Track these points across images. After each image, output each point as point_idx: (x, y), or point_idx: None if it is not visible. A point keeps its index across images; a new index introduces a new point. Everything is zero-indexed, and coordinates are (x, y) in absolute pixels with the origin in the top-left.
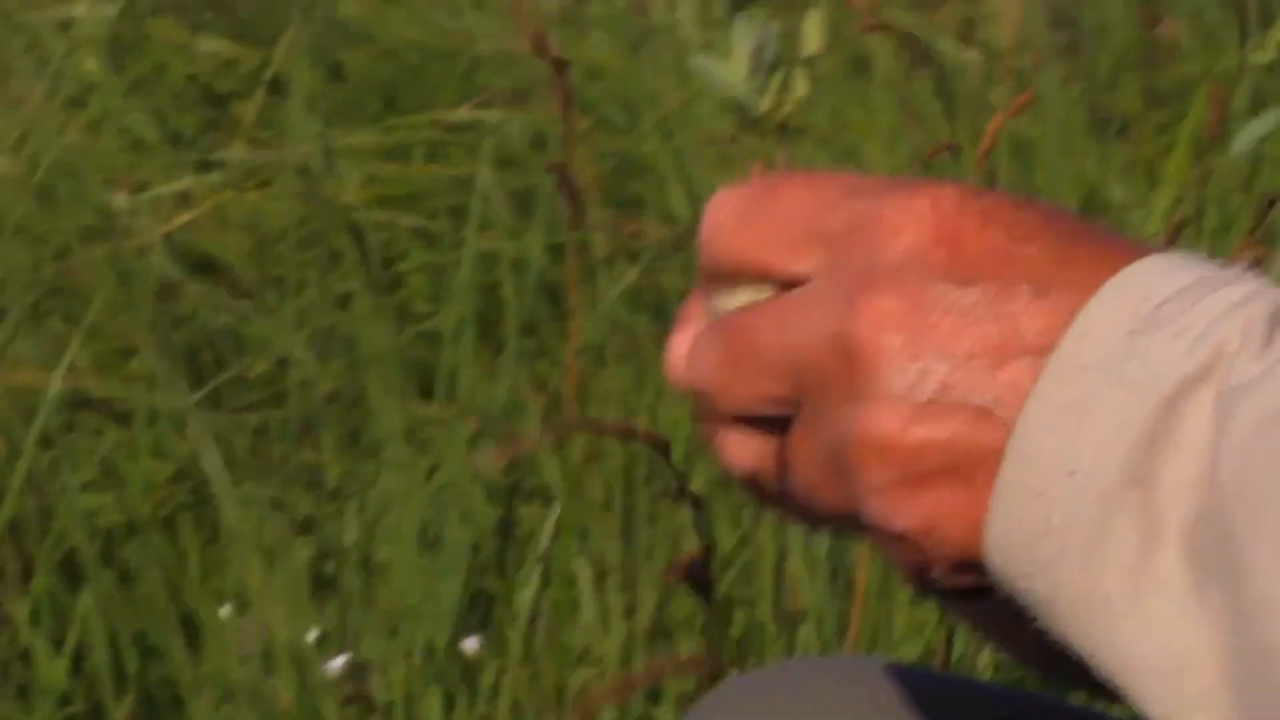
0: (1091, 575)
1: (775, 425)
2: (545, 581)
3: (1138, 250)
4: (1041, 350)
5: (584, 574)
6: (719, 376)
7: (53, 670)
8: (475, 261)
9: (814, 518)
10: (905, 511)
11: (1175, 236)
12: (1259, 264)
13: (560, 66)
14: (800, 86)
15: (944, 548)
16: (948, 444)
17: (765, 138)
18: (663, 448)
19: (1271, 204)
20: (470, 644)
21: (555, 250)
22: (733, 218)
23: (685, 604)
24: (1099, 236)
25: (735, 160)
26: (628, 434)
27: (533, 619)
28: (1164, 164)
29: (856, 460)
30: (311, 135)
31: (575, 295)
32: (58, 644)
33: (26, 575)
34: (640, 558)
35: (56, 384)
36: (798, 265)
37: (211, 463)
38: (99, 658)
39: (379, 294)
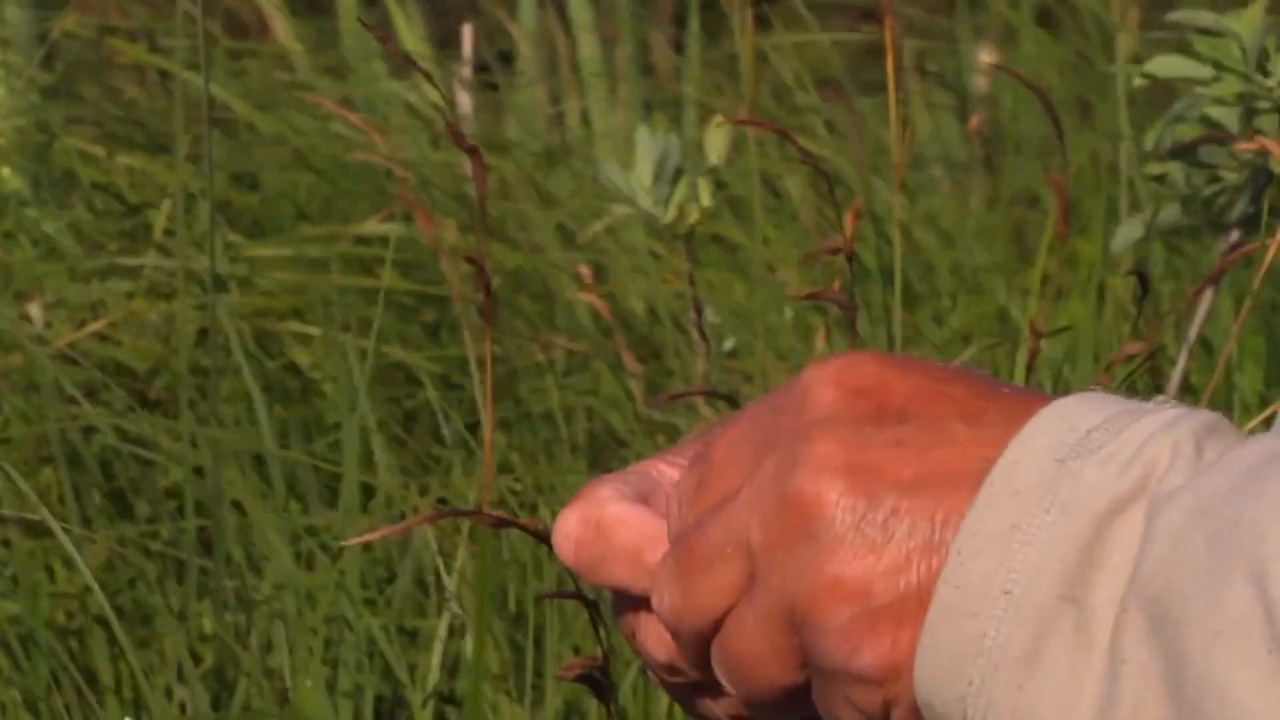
0: (1025, 693)
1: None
2: (449, 692)
3: (1055, 396)
4: (979, 478)
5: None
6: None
7: None
8: (380, 371)
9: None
10: (869, 647)
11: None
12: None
13: (475, 153)
14: (705, 196)
15: (907, 683)
16: (902, 572)
17: (672, 248)
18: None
19: (1144, 281)
20: None
21: (464, 362)
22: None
23: (590, 709)
24: (999, 383)
25: (648, 271)
26: (506, 525)
27: None
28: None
29: (813, 604)
30: (219, 246)
31: (490, 393)
32: None
33: None
34: (547, 663)
35: None
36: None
37: (92, 582)
38: None
39: (286, 403)
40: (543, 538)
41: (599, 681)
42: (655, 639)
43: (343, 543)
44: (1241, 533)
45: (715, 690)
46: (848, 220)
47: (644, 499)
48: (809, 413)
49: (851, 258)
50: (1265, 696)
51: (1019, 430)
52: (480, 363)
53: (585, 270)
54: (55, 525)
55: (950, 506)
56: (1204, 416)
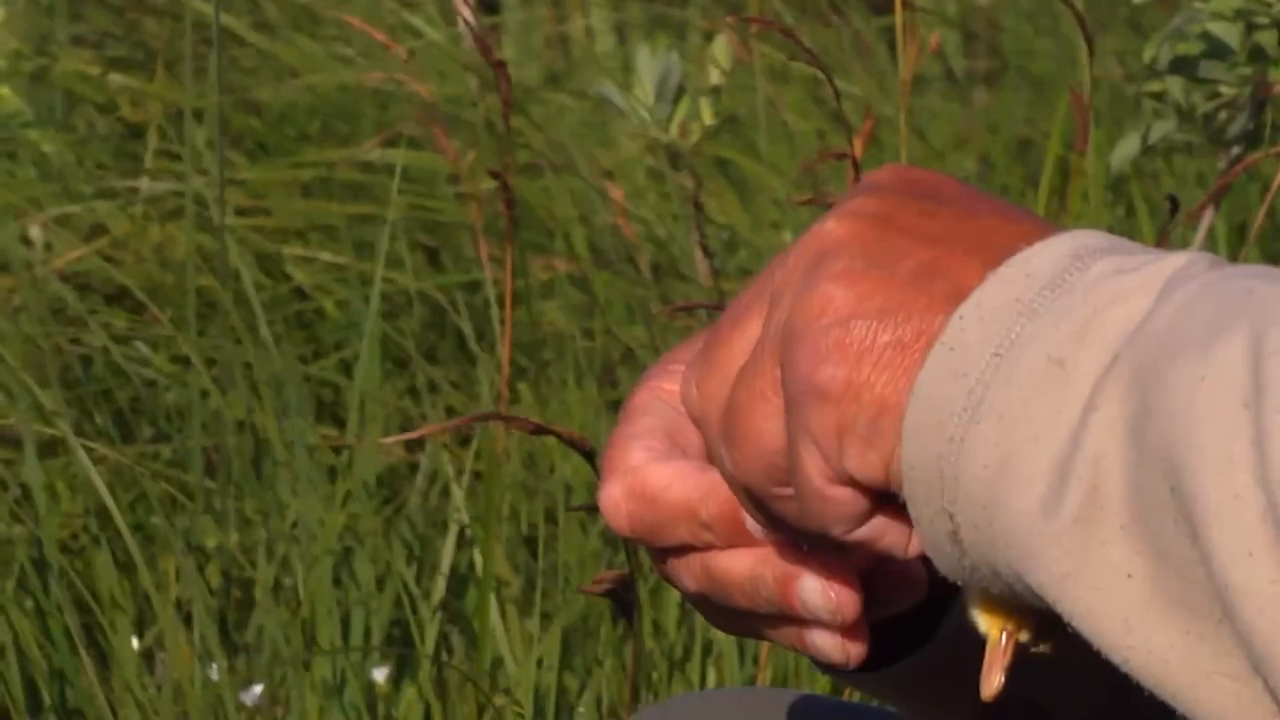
0: (1000, 449)
1: None
2: (456, 610)
3: (1040, 229)
4: (997, 253)
5: (493, 602)
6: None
7: None
8: (383, 296)
9: (754, 624)
10: (833, 363)
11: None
12: None
13: (501, 67)
14: (706, 115)
15: (860, 415)
16: (893, 314)
17: (675, 166)
18: (589, 455)
19: (1175, 206)
20: (380, 674)
21: (464, 288)
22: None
23: (599, 628)
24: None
25: (647, 192)
26: (544, 432)
27: (445, 647)
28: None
29: (800, 317)
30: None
31: (509, 315)
32: None
33: None
34: (557, 577)
35: None
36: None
37: (106, 499)
38: (14, 687)
39: (288, 326)
40: (576, 445)
41: (622, 597)
42: (686, 573)
43: (380, 440)
44: (1251, 301)
45: (765, 623)
46: (864, 126)
47: (672, 440)
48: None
49: (856, 163)
50: (1227, 446)
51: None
52: (498, 279)
53: (617, 193)
54: (74, 441)
55: (959, 267)
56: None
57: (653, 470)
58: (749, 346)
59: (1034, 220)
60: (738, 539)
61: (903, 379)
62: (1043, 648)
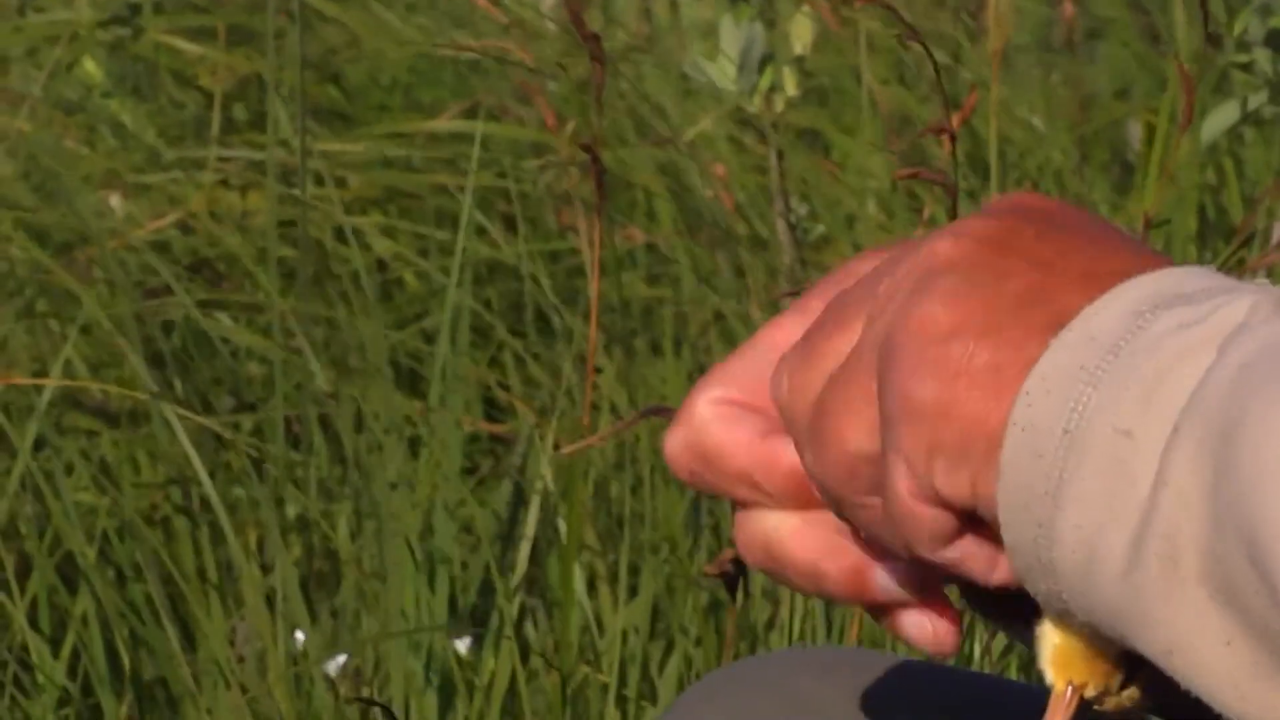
0: (1083, 532)
1: None
2: (539, 582)
3: (1147, 257)
4: (1104, 282)
5: (579, 573)
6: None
7: (51, 670)
8: (467, 267)
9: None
10: (931, 379)
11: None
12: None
13: (595, 40)
14: (790, 85)
15: (953, 419)
16: (992, 335)
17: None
18: None
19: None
20: (463, 644)
21: (545, 257)
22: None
23: (684, 598)
24: (1119, 239)
25: (729, 162)
26: None
27: (528, 618)
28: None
29: (901, 334)
30: (300, 140)
31: (597, 289)
32: (56, 644)
33: (24, 576)
34: (641, 553)
35: (52, 384)
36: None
37: (197, 466)
38: (96, 657)
39: (364, 294)
40: None
41: (733, 578)
42: (757, 552)
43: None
44: None
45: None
46: (968, 101)
47: (753, 394)
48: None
49: (954, 138)
50: None
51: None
52: (579, 249)
53: (720, 169)
54: (166, 409)
55: (1061, 294)
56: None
57: (713, 432)
58: (847, 348)
59: (1137, 250)
60: (802, 503)
61: (994, 403)
62: (1110, 704)
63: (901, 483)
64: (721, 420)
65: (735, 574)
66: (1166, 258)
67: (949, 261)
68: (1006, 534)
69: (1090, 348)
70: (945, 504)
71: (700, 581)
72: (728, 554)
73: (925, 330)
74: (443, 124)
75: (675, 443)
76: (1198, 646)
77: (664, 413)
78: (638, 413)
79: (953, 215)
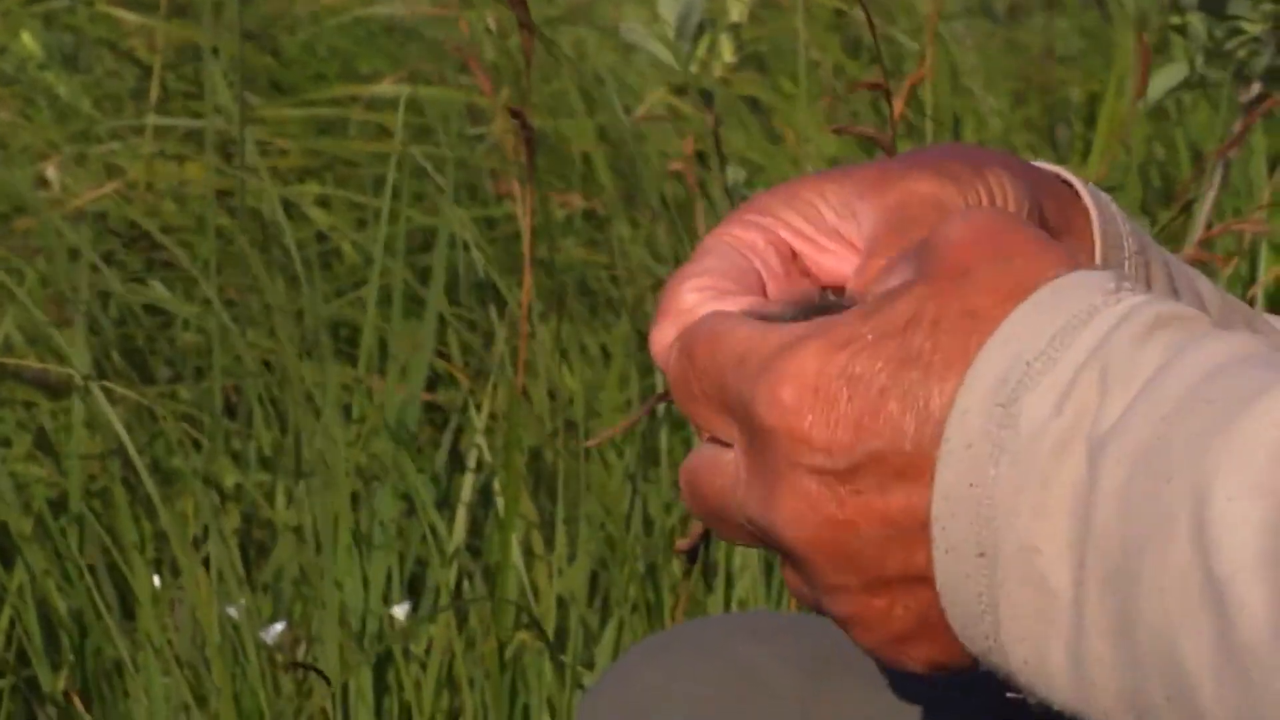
0: (1025, 645)
1: None
2: (477, 548)
3: (1025, 284)
4: (925, 511)
5: (513, 539)
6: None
7: None
8: (399, 233)
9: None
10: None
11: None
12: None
13: (522, 6)
14: (726, 52)
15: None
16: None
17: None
18: None
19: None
20: (401, 611)
21: (482, 224)
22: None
23: (621, 566)
24: (938, 327)
25: (661, 127)
26: None
27: (464, 584)
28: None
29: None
30: (234, 107)
31: (530, 247)
32: None
33: None
34: (576, 520)
35: None
36: (721, 432)
37: (126, 442)
38: (32, 630)
39: (303, 265)
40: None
41: (696, 552)
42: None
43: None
44: (1181, 486)
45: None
46: (913, 77)
47: (733, 280)
48: (776, 455)
49: (889, 95)
50: (1208, 655)
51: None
52: (513, 216)
53: (688, 144)
54: (92, 382)
55: (912, 541)
56: (1147, 314)
57: (703, 321)
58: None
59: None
60: None
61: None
62: None
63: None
64: (711, 302)
65: (699, 548)
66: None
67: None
68: (968, 646)
69: (969, 458)
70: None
71: (638, 552)
72: (696, 530)
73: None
74: (381, 88)
75: (662, 336)
76: None
77: (660, 400)
78: (651, 399)
79: None
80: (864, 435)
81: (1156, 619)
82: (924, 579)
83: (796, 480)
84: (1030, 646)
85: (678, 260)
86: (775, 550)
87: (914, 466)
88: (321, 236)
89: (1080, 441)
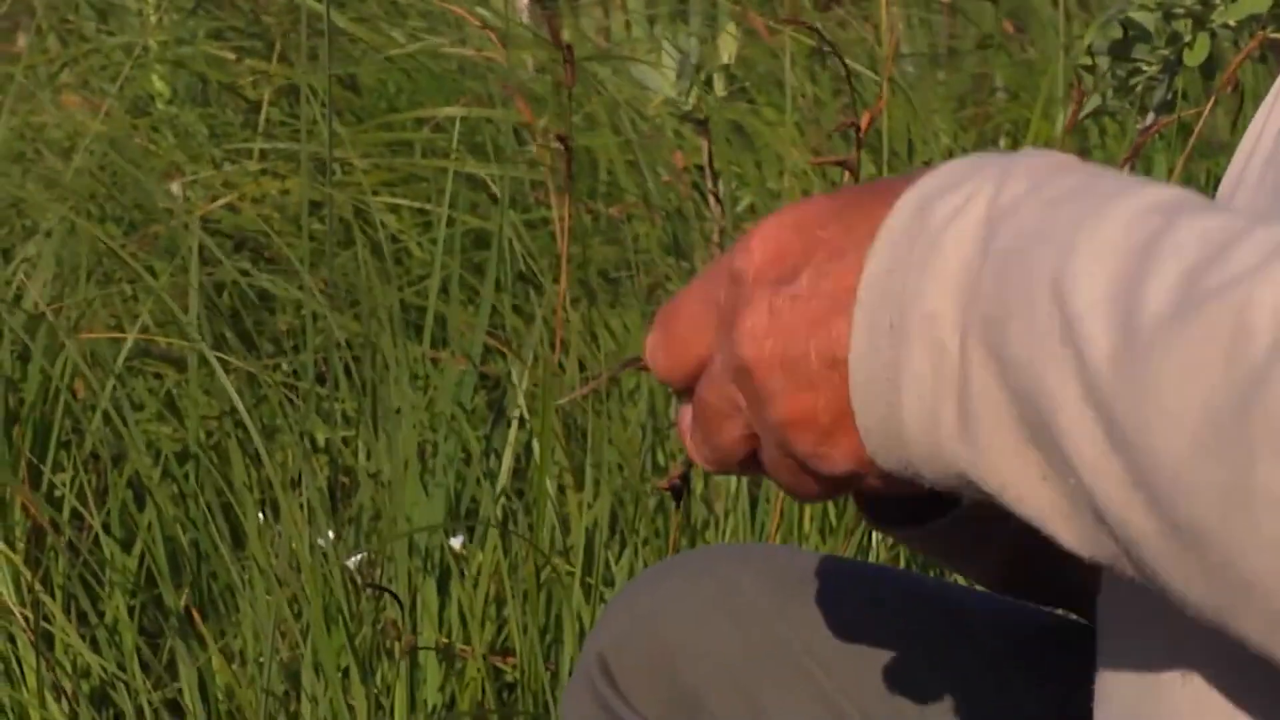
0: (923, 405)
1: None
2: (519, 492)
3: (911, 179)
4: (851, 295)
5: (547, 482)
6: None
7: (123, 567)
8: (460, 233)
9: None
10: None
11: None
12: None
13: (569, 49)
14: (719, 88)
15: (790, 336)
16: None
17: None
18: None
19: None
20: (457, 542)
21: (526, 225)
22: (655, 352)
23: (635, 504)
24: (878, 192)
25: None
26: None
27: (509, 521)
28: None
29: (754, 371)
30: (324, 132)
31: (565, 246)
32: (127, 548)
33: (103, 492)
34: (601, 467)
35: (131, 338)
36: (705, 350)
37: (236, 401)
38: (159, 559)
39: (382, 260)
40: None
41: (679, 489)
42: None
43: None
44: (1050, 250)
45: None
46: (872, 111)
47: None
48: (739, 289)
49: (859, 130)
50: (1065, 387)
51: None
52: (560, 219)
53: (679, 157)
54: (211, 355)
55: (838, 330)
56: (1049, 156)
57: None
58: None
59: (865, 225)
60: None
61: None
62: None
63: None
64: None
65: (681, 486)
66: (905, 180)
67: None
68: (861, 419)
69: (892, 251)
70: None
71: (650, 491)
72: (676, 471)
73: (765, 275)
74: (445, 110)
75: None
76: (1020, 483)
77: (639, 364)
78: (621, 362)
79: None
80: (808, 251)
81: (1023, 355)
82: (841, 362)
83: (753, 303)
84: (925, 405)
85: (681, 254)
86: (736, 411)
87: (843, 256)
88: (393, 238)
89: (978, 224)
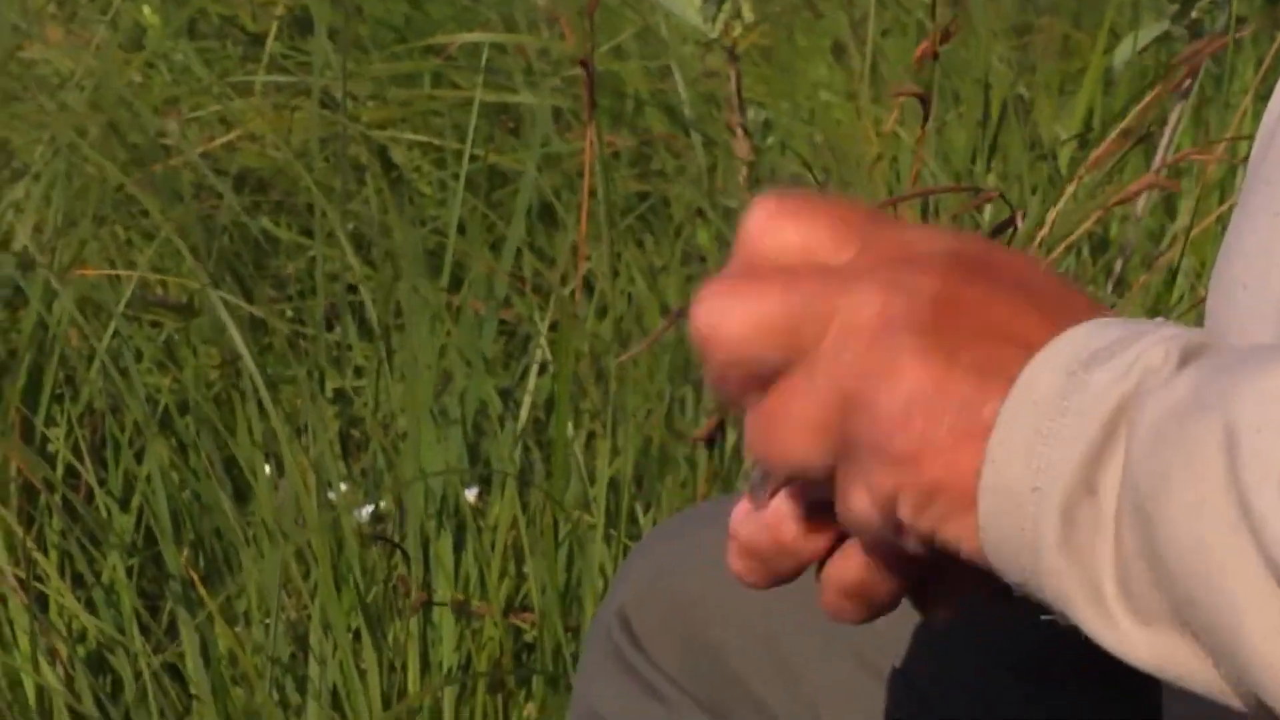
0: (1064, 578)
1: None
2: (538, 441)
3: (1074, 313)
4: (1028, 343)
5: (569, 431)
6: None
7: (121, 525)
8: (478, 170)
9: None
10: (904, 434)
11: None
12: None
13: None
14: (747, 13)
15: (928, 471)
16: (952, 386)
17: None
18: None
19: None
20: (472, 493)
21: (545, 160)
22: (769, 218)
23: (661, 453)
24: (1048, 300)
25: (697, 81)
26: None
27: (527, 471)
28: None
29: (872, 391)
30: (333, 65)
31: (589, 179)
32: (125, 504)
33: (99, 446)
34: (626, 416)
35: (130, 284)
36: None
37: (240, 345)
38: (160, 514)
39: (400, 199)
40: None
41: (712, 440)
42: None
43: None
44: (1210, 420)
45: None
46: (950, 26)
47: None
48: (921, 247)
49: (935, 57)
50: (1243, 567)
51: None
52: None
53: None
54: (216, 298)
55: (1005, 355)
56: (1196, 334)
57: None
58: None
59: (1062, 300)
60: None
61: (957, 465)
62: None
63: (861, 501)
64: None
65: (713, 438)
66: (1085, 301)
67: (907, 321)
68: (1003, 576)
69: (1035, 411)
70: (897, 527)
71: (681, 441)
72: (712, 422)
73: (893, 389)
74: (466, 36)
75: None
76: (1184, 670)
77: (680, 316)
78: (672, 314)
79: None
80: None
81: (1186, 537)
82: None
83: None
84: (1063, 583)
85: (711, 191)
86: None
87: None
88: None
89: (1131, 398)
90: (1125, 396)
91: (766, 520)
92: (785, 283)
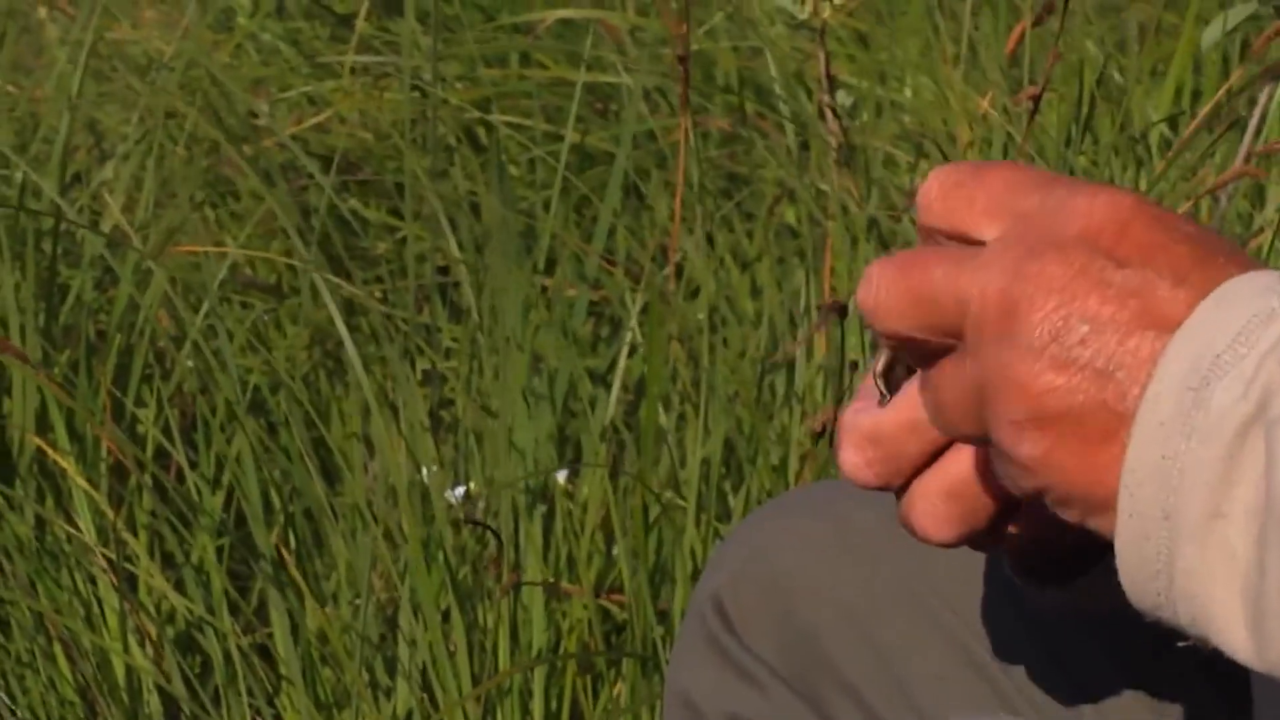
0: (1197, 602)
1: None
2: (628, 423)
3: (1243, 266)
4: (1166, 326)
5: (659, 414)
6: (889, 300)
7: (211, 509)
8: (570, 151)
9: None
10: (1030, 443)
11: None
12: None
13: None
14: None
15: (1058, 478)
16: (1070, 393)
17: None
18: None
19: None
20: (561, 475)
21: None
22: (942, 188)
23: (752, 434)
24: (1227, 250)
25: (786, 62)
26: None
27: (617, 454)
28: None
29: (995, 394)
30: (421, 45)
31: (682, 159)
32: (215, 483)
33: (189, 426)
34: (717, 398)
35: (224, 265)
36: (985, 231)
37: (339, 324)
38: (250, 494)
39: (498, 180)
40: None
41: (823, 431)
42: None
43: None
44: None
45: None
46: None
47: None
48: (1060, 232)
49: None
50: None
51: (1210, 294)
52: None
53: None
54: (318, 278)
55: (1130, 349)
56: None
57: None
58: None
59: (1204, 276)
60: None
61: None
62: None
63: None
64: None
65: (824, 429)
66: (1242, 263)
67: (1029, 311)
68: (1133, 600)
69: (1162, 434)
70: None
71: (771, 424)
72: (826, 413)
73: (1009, 393)
74: (561, 13)
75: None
76: None
77: (841, 309)
78: (826, 306)
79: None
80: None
81: None
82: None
83: (1064, 251)
84: (1199, 605)
85: (800, 172)
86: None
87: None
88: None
89: (1261, 424)
90: (1247, 418)
91: (896, 402)
92: (926, 263)
